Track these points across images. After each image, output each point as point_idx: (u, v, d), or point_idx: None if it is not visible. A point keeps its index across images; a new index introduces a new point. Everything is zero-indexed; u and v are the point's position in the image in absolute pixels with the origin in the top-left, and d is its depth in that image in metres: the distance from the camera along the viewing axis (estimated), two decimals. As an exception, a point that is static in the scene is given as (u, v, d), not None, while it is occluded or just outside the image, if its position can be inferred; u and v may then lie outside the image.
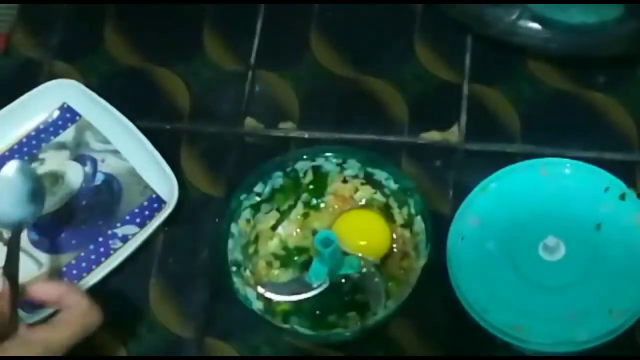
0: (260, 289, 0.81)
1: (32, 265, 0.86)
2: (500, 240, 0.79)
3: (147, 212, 0.88)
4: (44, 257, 0.87)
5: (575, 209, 0.80)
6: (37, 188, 0.85)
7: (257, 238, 0.84)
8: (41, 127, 0.92)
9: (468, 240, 0.79)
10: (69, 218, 0.89)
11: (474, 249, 0.79)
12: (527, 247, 0.79)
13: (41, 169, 0.91)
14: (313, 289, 0.80)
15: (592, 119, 0.89)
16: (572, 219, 0.79)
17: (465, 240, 0.79)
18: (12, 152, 0.92)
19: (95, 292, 0.84)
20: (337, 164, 0.85)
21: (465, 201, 0.81)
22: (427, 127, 0.90)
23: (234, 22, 0.97)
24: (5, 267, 0.80)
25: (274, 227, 0.85)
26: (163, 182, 0.87)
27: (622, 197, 0.80)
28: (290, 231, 0.85)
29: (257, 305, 0.80)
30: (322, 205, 0.85)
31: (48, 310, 0.82)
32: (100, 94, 0.91)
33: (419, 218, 0.82)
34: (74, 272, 0.86)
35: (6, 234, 0.88)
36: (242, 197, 0.83)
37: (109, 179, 0.90)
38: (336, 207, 0.85)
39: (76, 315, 0.76)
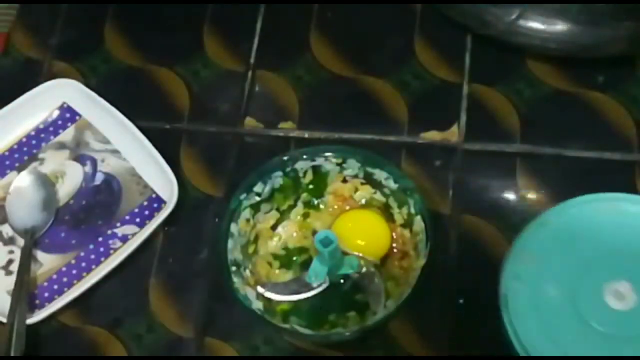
0: (260, 289, 0.81)
1: (32, 266, 0.86)
2: (560, 282, 0.72)
3: (147, 212, 0.88)
4: (44, 257, 0.87)
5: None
6: (50, 197, 0.89)
7: (257, 238, 0.84)
8: (41, 127, 0.92)
9: (524, 282, 0.73)
10: (69, 218, 0.89)
11: (531, 291, 0.73)
12: (591, 292, 0.71)
13: (41, 169, 0.91)
14: (313, 289, 0.80)
15: (591, 119, 0.89)
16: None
17: (521, 281, 0.73)
18: (12, 152, 0.92)
19: (95, 292, 0.85)
20: (337, 164, 0.85)
21: (520, 237, 0.74)
22: (427, 127, 0.90)
23: (234, 22, 0.97)
24: (18, 272, 0.84)
25: (274, 227, 0.85)
26: (163, 182, 0.87)
27: None
28: (290, 231, 0.85)
29: (257, 305, 0.80)
30: (322, 205, 0.85)
31: (50, 310, 0.83)
32: (100, 94, 0.91)
33: (419, 218, 0.82)
34: (74, 272, 0.86)
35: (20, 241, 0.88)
36: (242, 197, 0.83)
37: (109, 179, 0.90)
38: (336, 207, 0.85)
39: None
